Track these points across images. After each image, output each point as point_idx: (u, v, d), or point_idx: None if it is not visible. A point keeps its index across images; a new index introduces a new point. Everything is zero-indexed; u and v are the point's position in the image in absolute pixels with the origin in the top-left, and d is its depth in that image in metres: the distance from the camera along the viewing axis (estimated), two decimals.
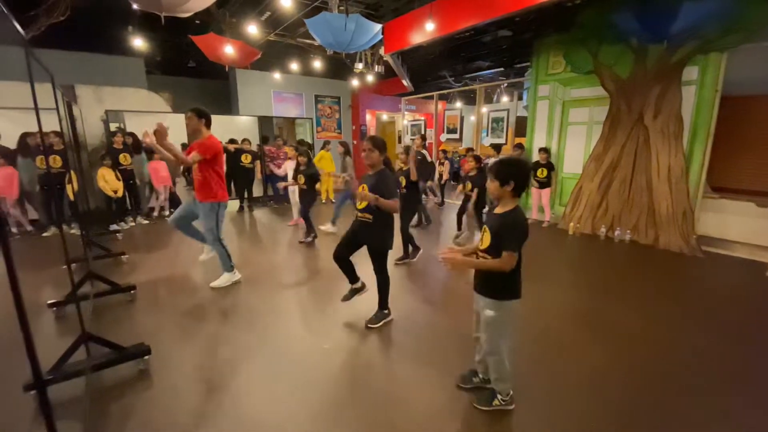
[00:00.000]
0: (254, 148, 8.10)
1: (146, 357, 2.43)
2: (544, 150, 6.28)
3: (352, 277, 3.10)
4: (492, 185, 1.90)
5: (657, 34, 4.79)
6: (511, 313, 1.95)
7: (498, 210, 1.92)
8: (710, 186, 5.32)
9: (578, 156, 6.34)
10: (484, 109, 8.73)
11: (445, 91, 9.70)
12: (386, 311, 3.05)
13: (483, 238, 1.95)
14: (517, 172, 1.84)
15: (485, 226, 1.96)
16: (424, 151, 6.33)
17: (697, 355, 2.63)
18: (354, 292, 3.14)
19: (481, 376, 2.24)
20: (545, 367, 2.47)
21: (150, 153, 6.78)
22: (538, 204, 6.51)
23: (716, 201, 5.17)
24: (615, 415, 2.05)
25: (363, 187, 2.80)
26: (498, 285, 1.90)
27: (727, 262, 4.61)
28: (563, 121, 6.53)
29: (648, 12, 4.73)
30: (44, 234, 5.82)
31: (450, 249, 1.99)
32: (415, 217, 6.04)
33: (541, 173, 6.25)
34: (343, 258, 2.97)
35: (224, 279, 3.75)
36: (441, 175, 8.24)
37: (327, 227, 5.81)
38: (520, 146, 6.83)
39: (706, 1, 4.31)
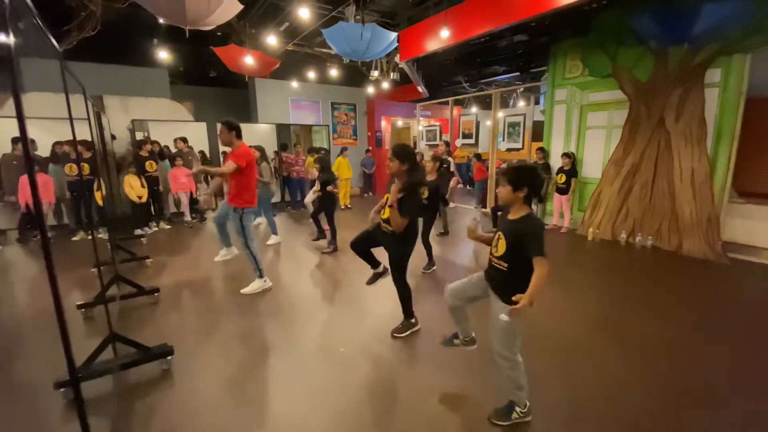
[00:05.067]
0: (271, 154, 8.27)
1: (169, 357, 2.51)
2: (567, 155, 6.19)
3: (373, 263, 3.09)
4: (504, 190, 1.87)
5: (677, 36, 4.70)
6: (523, 318, 1.89)
7: (511, 216, 1.90)
8: (736, 191, 5.15)
9: (597, 160, 6.24)
10: (500, 114, 8.68)
11: (460, 97, 9.69)
12: (413, 320, 3.01)
13: (498, 245, 1.90)
14: (531, 179, 1.83)
15: (499, 232, 1.92)
16: (449, 158, 6.24)
17: (722, 366, 2.56)
18: (377, 277, 3.13)
19: (461, 337, 2.35)
20: (565, 374, 2.44)
21: (173, 160, 7.00)
22: (559, 209, 6.42)
23: (743, 206, 5.00)
24: (635, 426, 2.01)
25: (386, 196, 2.76)
26: (516, 290, 1.78)
27: (755, 269, 4.45)
28: (581, 126, 6.44)
29: (667, 14, 4.65)
30: (73, 238, 6.07)
31: (515, 307, 1.72)
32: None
33: (561, 179, 6.18)
34: (360, 249, 2.98)
35: (255, 286, 3.78)
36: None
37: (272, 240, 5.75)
38: (542, 150, 6.74)
39: (726, 2, 4.22)
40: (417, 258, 4.59)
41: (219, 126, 3.51)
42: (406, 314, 3.00)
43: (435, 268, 4.47)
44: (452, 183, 5.98)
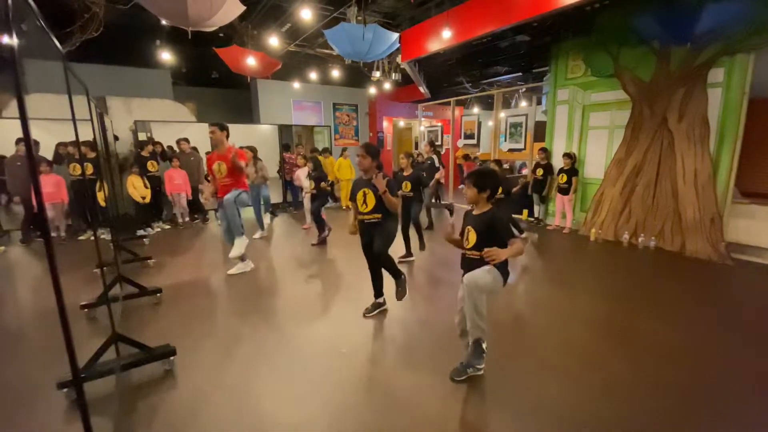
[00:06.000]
0: (275, 156, 8.28)
1: (172, 358, 2.51)
2: (568, 155, 6.18)
3: (379, 291, 3.32)
4: (470, 192, 2.18)
5: (680, 35, 4.68)
6: (499, 281, 2.14)
7: (476, 212, 2.21)
8: (740, 191, 5.12)
9: (599, 161, 6.22)
10: (502, 114, 8.66)
11: (462, 97, 9.68)
12: (402, 277, 3.27)
13: (469, 238, 2.14)
14: (491, 182, 2.18)
15: (468, 227, 2.18)
16: (433, 156, 6.56)
17: (727, 367, 2.54)
18: (376, 307, 3.32)
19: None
20: (566, 375, 2.43)
21: (172, 161, 7.01)
22: (561, 210, 6.41)
23: (746, 207, 4.97)
24: (637, 427, 2.00)
25: (365, 193, 3.07)
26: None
27: (759, 270, 4.42)
28: (583, 126, 6.42)
29: (670, 14, 4.63)
30: (80, 238, 6.10)
31: (489, 249, 2.05)
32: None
33: (562, 179, 6.17)
34: (375, 266, 3.26)
35: (238, 257, 4.18)
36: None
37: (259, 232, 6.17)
38: (544, 150, 6.68)
39: (729, 2, 4.20)
40: (419, 261, 4.64)
41: (210, 127, 4.00)
42: (397, 276, 3.24)
43: (413, 258, 4.76)
44: (437, 175, 6.36)
